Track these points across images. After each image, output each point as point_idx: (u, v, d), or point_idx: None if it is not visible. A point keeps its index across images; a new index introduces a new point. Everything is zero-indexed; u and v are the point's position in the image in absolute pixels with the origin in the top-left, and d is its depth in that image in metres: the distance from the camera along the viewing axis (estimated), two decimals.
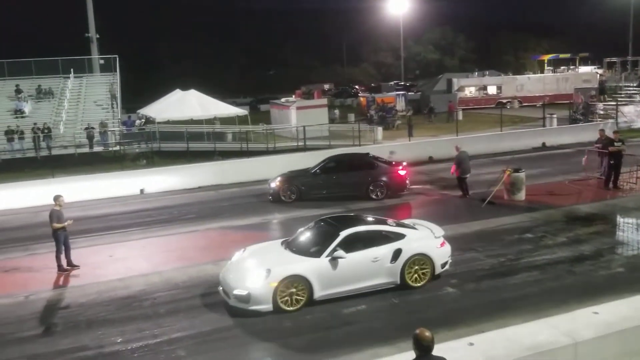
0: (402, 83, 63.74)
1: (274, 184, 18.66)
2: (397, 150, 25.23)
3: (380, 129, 32.34)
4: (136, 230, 16.29)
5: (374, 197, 18.05)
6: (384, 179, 18.19)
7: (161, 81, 50.02)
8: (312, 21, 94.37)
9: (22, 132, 28.30)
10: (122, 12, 69.71)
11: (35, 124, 29.03)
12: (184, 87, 34.93)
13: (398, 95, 46.72)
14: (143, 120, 33.62)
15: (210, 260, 12.93)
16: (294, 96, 42.12)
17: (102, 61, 38.18)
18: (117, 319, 10.04)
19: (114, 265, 13.09)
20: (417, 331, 5.04)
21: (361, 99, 49.02)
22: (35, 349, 9.06)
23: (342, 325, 9.30)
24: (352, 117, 41.35)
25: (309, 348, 8.58)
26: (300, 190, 18.35)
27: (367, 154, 20.07)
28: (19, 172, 24.68)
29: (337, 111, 43.14)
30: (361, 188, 18.08)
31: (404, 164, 18.96)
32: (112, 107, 33.31)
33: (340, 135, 30.71)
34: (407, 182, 18.54)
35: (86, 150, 28.35)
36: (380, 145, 28.23)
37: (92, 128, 29.14)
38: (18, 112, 31.38)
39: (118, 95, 34.50)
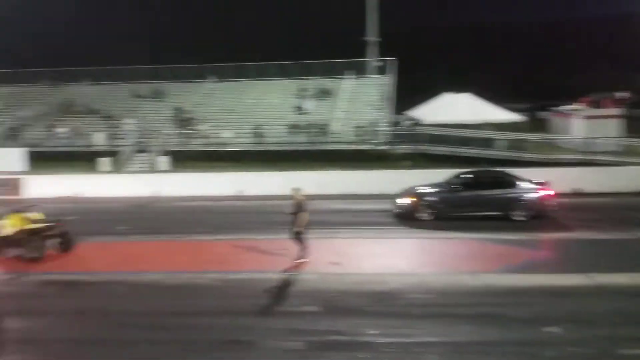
0: None
1: (405, 201, 18.04)
2: None
3: None
4: (395, 229, 17.03)
5: (516, 218, 17.16)
6: (527, 198, 17.34)
7: (432, 83, 50.96)
8: (609, 24, 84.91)
9: (303, 128, 32.02)
10: (405, 13, 72.85)
11: (310, 120, 32.51)
12: (456, 90, 35.13)
13: None
14: (412, 121, 34.82)
15: (468, 270, 12.84)
16: (580, 104, 38.66)
17: (379, 63, 40.81)
18: (372, 311, 10.63)
19: (373, 260, 13.93)
20: None
21: None
22: (297, 324, 10.19)
23: None
24: None
25: None
26: (436, 208, 17.57)
27: (501, 170, 19.37)
28: (297, 163, 28.02)
29: None
30: (503, 207, 17.26)
31: (547, 184, 17.69)
32: (383, 108, 35.31)
33: (636, 152, 27.05)
34: (551, 202, 17.35)
35: (356, 147, 30.64)
36: None
37: (362, 127, 31.34)
38: (301, 109, 35.61)
39: (390, 96, 36.45)
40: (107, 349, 9.34)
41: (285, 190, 22.46)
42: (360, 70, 40.31)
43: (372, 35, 41.54)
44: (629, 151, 26.94)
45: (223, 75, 41.25)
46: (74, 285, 12.75)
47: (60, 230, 14.85)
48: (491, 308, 10.60)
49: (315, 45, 53.29)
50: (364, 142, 31.03)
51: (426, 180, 20.92)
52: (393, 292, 11.62)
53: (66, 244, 14.96)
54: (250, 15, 60.72)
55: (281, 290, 12.03)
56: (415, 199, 18.08)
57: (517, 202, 17.34)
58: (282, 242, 15.61)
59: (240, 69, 41.05)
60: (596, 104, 37.60)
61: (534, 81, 77.50)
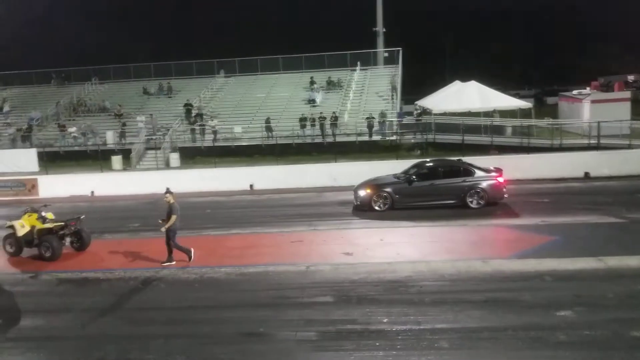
0: None
1: (362, 192, 18.49)
2: None
3: None
4: (406, 219, 17.09)
5: (473, 205, 17.84)
6: (482, 186, 17.91)
7: (441, 73, 50.86)
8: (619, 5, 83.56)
9: (313, 120, 32.09)
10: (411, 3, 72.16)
11: (321, 112, 32.59)
12: (464, 79, 34.98)
13: None
14: (419, 111, 34.79)
15: (479, 256, 12.87)
16: (588, 88, 38.47)
17: (386, 54, 40.81)
18: (384, 300, 10.70)
19: (384, 249, 14.00)
20: None
21: None
22: (311, 315, 10.27)
23: None
24: None
25: None
26: (393, 198, 18.11)
27: (459, 159, 19.64)
28: (307, 156, 28.17)
29: None
30: (459, 196, 17.91)
31: (501, 171, 18.33)
32: (392, 99, 35.29)
33: None
34: (505, 190, 18.06)
35: (366, 138, 30.68)
36: None
37: (372, 118, 31.37)
38: (311, 102, 35.68)
39: (398, 87, 36.40)
40: (123, 344, 9.46)
41: (297, 183, 23.05)
42: (368, 61, 40.32)
43: (380, 26, 41.54)
44: (638, 134, 26.78)
45: (232, 70, 41.44)
46: (89, 283, 12.90)
47: (75, 229, 15.04)
48: (502, 293, 10.63)
49: (324, 37, 53.25)
50: (374, 133, 31.04)
51: None
52: (405, 280, 11.66)
53: (81, 242, 15.18)
54: (258, 8, 60.96)
55: (297, 281, 12.11)
56: (369, 191, 18.52)
57: (469, 190, 17.93)
58: (296, 235, 15.86)
59: (249, 63, 41.23)
60: (606, 88, 37.24)
61: (544, 66, 76.89)
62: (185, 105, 35.51)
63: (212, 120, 33.05)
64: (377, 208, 18.28)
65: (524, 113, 32.13)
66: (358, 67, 39.46)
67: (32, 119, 36.21)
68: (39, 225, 14.76)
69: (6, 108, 39.02)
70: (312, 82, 37.67)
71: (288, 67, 40.99)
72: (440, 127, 30.09)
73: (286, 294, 11.37)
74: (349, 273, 12.36)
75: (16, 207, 20.02)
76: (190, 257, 13.65)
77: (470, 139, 28.57)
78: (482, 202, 17.89)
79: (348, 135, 30.92)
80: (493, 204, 17.99)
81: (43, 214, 15.18)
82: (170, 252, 13.60)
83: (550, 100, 48.61)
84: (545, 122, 30.49)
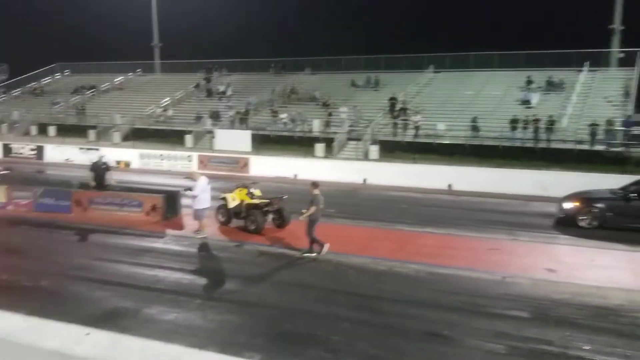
0: None
1: (569, 205, 17.29)
2: None
3: None
4: (620, 241, 15.54)
5: None
6: None
7: None
8: None
9: (525, 122, 30.54)
10: None
11: (534, 115, 30.81)
12: None
13: None
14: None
15: None
16: None
17: (622, 55, 36.99)
18: (588, 326, 9.95)
19: (593, 271, 12.97)
20: None
21: None
22: (502, 327, 9.96)
23: None
24: None
25: None
26: (604, 216, 16.56)
27: None
28: (515, 160, 26.94)
29: None
30: None
31: None
32: (625, 105, 31.99)
33: None
34: None
35: (586, 147, 28.30)
36: None
37: (597, 125, 28.82)
38: (525, 103, 33.97)
39: (633, 92, 32.84)
40: (311, 320, 10.23)
41: (500, 189, 22.31)
42: (598, 62, 36.96)
43: (617, 23, 37.72)
44: None
45: (442, 65, 41.26)
46: (286, 258, 14.11)
47: (277, 207, 16.56)
48: None
49: (545, 33, 50.24)
50: (597, 142, 28.48)
51: None
52: (616, 308, 10.71)
53: (282, 220, 16.65)
54: (472, 3, 59.75)
55: (491, 290, 11.85)
56: (578, 205, 17.07)
57: None
58: (494, 242, 15.46)
59: (460, 59, 40.64)
60: None
61: None
62: (390, 99, 36.33)
63: (416, 116, 33.36)
64: (582, 225, 16.94)
65: None
66: (586, 68, 36.40)
67: (250, 103, 40.31)
68: (248, 200, 16.57)
69: (229, 92, 43.98)
70: (529, 82, 35.81)
71: (503, 65, 39.43)
72: None
73: (477, 302, 11.18)
74: (550, 291, 11.71)
75: (229, 182, 22.58)
76: (320, 252, 13.92)
77: None
78: None
79: (565, 142, 28.82)
80: None
81: (252, 190, 17.00)
82: (311, 243, 14.11)
83: None
84: None
